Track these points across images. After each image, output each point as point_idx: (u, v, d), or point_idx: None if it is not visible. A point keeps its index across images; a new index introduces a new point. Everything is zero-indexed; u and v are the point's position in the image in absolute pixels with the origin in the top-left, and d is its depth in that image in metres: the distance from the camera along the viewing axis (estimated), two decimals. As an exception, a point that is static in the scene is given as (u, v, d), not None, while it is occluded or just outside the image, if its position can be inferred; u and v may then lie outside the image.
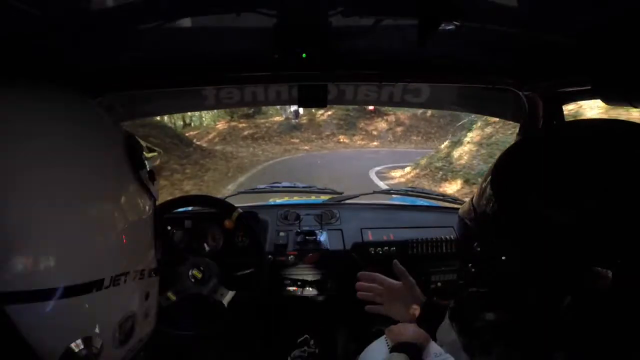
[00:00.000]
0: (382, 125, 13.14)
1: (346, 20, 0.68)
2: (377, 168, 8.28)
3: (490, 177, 0.41)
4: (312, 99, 1.05)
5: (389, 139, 12.55)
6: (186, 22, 0.69)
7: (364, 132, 12.88)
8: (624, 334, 0.31)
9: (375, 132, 12.89)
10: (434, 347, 0.77)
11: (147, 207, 0.42)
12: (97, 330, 0.34)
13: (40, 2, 0.52)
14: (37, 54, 0.71)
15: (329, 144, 12.06)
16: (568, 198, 0.33)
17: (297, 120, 13.09)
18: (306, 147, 11.45)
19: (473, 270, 0.44)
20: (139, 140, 0.43)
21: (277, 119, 13.57)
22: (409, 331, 0.78)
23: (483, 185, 0.42)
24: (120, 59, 0.87)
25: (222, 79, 1.02)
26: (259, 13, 0.66)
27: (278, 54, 0.82)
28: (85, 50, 0.76)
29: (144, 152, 0.43)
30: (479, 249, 0.42)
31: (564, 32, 0.65)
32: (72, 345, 0.32)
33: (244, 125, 12.96)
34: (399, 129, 13.08)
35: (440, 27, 0.59)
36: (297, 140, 12.11)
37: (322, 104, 1.06)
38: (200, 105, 1.24)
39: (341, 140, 12.38)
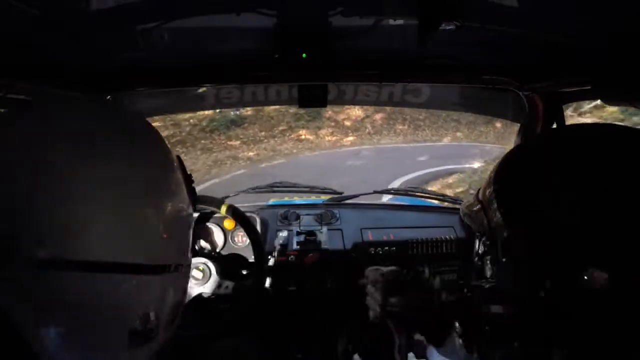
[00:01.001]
0: (355, 112, 9.13)
1: (346, 20, 0.68)
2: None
3: (494, 177, 0.41)
4: (312, 99, 1.05)
5: (367, 131, 8.83)
6: (186, 22, 0.69)
7: (332, 124, 8.81)
8: (623, 334, 0.31)
9: (348, 123, 8.91)
10: None
11: (192, 210, 0.50)
12: (158, 310, 0.39)
13: (40, 2, 0.53)
14: (38, 54, 0.71)
15: (285, 144, 8.02)
16: (569, 199, 0.33)
17: (237, 112, 8.55)
18: (250, 154, 7.27)
19: (479, 263, 0.45)
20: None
21: (208, 111, 8.28)
22: None
23: (488, 192, 0.42)
24: (121, 59, 0.87)
25: (222, 79, 1.02)
26: (259, 13, 0.66)
27: (278, 54, 0.82)
28: (86, 51, 0.76)
29: None
30: (488, 242, 0.42)
31: (564, 32, 0.65)
32: (137, 320, 0.37)
33: (157, 124, 5.06)
34: (378, 116, 9.09)
35: (440, 27, 0.59)
36: (236, 143, 7.62)
37: (322, 104, 1.06)
38: (201, 105, 1.24)
39: (303, 136, 8.27)
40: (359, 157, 7.04)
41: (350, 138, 8.39)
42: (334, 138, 8.43)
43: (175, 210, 0.44)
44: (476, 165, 5.89)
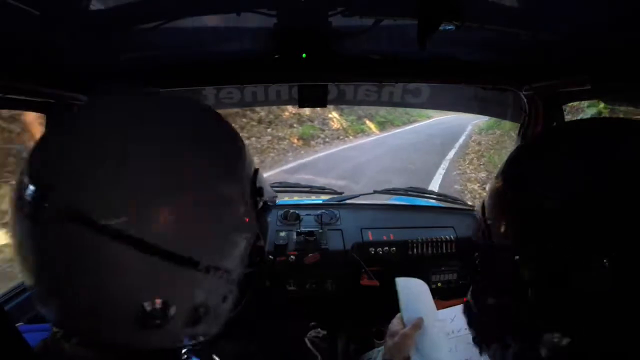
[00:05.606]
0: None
1: (346, 21, 0.68)
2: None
3: (500, 176, 0.41)
4: (312, 99, 1.05)
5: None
6: (186, 22, 0.69)
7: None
8: (623, 334, 0.31)
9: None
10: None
11: (247, 225, 0.43)
12: (176, 301, 0.37)
13: (40, 2, 0.52)
14: (37, 54, 0.71)
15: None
16: (573, 193, 0.33)
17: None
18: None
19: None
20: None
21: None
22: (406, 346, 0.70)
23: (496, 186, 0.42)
24: (121, 59, 0.87)
25: (222, 79, 1.02)
26: (259, 13, 0.66)
27: (278, 54, 0.82)
28: (85, 50, 0.76)
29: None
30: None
31: (564, 32, 0.65)
32: (148, 302, 0.35)
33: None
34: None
35: (440, 27, 0.59)
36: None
37: (322, 104, 1.06)
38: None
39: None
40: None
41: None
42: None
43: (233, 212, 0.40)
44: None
